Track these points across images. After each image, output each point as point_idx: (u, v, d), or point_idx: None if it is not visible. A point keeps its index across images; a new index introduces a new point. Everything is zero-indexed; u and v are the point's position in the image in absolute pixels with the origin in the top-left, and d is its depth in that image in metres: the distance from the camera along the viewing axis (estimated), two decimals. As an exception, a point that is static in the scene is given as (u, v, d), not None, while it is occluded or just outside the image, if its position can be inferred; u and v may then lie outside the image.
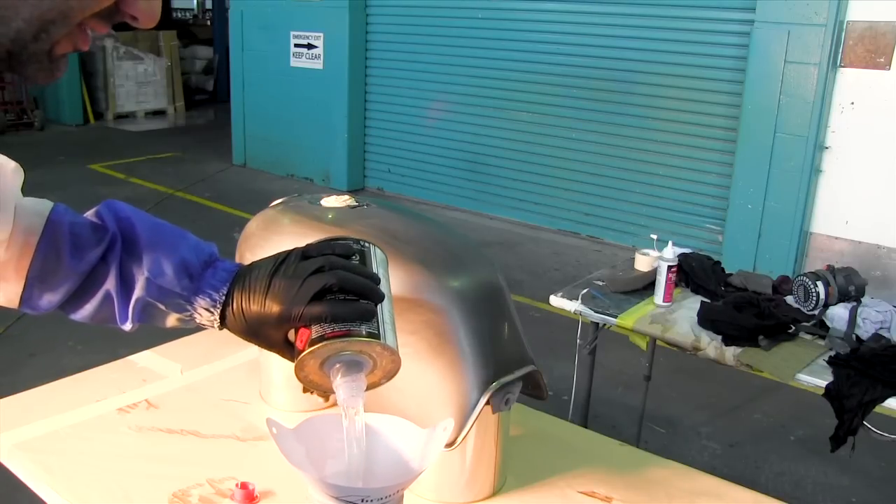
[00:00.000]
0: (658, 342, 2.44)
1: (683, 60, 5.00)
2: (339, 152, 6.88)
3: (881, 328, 2.10)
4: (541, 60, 5.65)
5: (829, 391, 1.95)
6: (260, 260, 0.82)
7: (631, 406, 3.12)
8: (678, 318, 2.30)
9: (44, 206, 0.87)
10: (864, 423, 1.98)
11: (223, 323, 0.83)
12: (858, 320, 2.12)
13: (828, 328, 2.16)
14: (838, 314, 2.14)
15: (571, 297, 2.42)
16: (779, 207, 4.59)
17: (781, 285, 2.45)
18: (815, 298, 2.22)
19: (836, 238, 4.54)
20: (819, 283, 2.22)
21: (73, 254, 0.84)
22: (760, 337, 2.12)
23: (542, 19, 5.61)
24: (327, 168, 7.01)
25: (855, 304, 2.16)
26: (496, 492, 1.23)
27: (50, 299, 0.84)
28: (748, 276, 2.52)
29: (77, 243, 0.84)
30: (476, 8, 5.95)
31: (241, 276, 0.82)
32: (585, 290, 2.45)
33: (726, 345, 2.13)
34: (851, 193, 4.46)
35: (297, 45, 6.94)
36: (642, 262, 2.68)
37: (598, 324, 2.45)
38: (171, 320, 0.85)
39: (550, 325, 3.87)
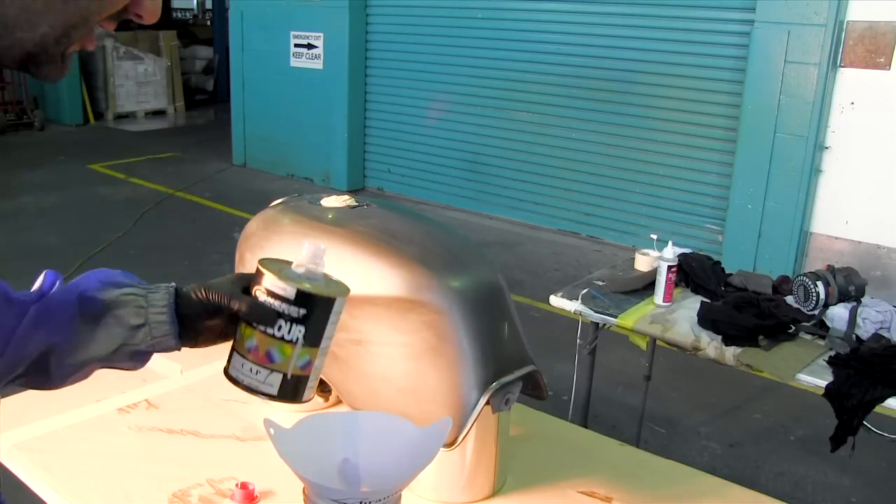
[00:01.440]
0: (658, 342, 2.44)
1: (683, 60, 5.00)
2: (339, 152, 6.88)
3: (881, 328, 2.10)
4: (541, 60, 5.65)
5: (829, 391, 1.95)
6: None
7: (631, 406, 3.12)
8: (678, 318, 2.30)
9: None
10: (864, 423, 1.98)
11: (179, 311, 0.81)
12: (858, 320, 2.12)
13: (828, 328, 2.16)
14: (838, 314, 2.14)
15: (571, 297, 2.42)
16: (779, 207, 4.59)
17: (781, 285, 2.44)
18: (815, 298, 2.22)
19: (836, 238, 4.54)
20: (819, 283, 2.22)
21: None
22: (760, 337, 2.12)
23: (542, 19, 5.61)
24: (327, 168, 7.01)
25: (855, 304, 2.15)
26: (496, 492, 1.23)
27: None
28: (748, 276, 2.52)
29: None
30: (476, 8, 5.95)
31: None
32: (585, 290, 2.45)
33: (726, 345, 2.13)
34: (851, 193, 4.46)
35: (297, 45, 6.94)
36: (642, 262, 2.68)
37: (598, 324, 2.45)
38: (127, 322, 0.81)
39: (550, 325, 3.87)
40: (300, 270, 0.86)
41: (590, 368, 2.59)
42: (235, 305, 0.83)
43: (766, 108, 4.54)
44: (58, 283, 0.81)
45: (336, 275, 0.93)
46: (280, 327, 0.83)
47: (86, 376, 0.84)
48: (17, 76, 9.02)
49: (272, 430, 0.88)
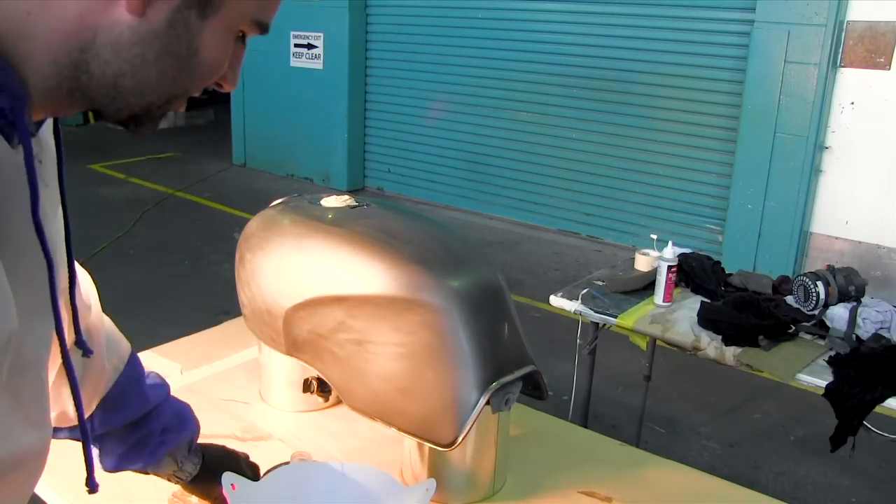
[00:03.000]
0: (658, 342, 2.44)
1: (683, 60, 5.00)
2: (339, 152, 6.88)
3: (881, 328, 2.10)
4: (541, 60, 5.65)
5: (829, 391, 1.95)
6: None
7: (631, 406, 3.12)
8: (678, 318, 2.30)
9: (124, 340, 1.02)
10: (864, 423, 1.98)
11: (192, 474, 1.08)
12: (858, 320, 2.12)
13: (828, 328, 2.16)
14: (838, 314, 2.14)
15: (571, 297, 2.42)
16: (779, 207, 4.59)
17: (781, 285, 2.44)
18: (815, 298, 2.22)
19: (836, 238, 4.54)
20: (819, 283, 2.22)
21: (149, 387, 1.02)
22: (760, 337, 2.12)
23: (542, 19, 5.61)
24: (327, 168, 7.01)
25: (855, 304, 2.15)
26: (496, 492, 1.23)
27: (104, 426, 0.97)
28: (748, 276, 2.52)
29: (146, 382, 1.02)
30: (476, 8, 5.95)
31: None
32: (585, 290, 2.45)
33: (726, 345, 2.13)
34: (851, 193, 4.46)
35: (297, 45, 6.94)
36: (642, 262, 2.68)
37: (598, 324, 2.45)
38: (167, 470, 1.06)
39: (550, 325, 3.87)
40: None
41: (590, 368, 2.59)
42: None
43: (766, 108, 4.54)
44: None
45: (336, 275, 0.93)
46: None
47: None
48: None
49: (234, 485, 0.85)
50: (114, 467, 1.02)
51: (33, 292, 0.59)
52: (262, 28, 0.65)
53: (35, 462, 0.63)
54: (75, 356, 0.76)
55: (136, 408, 0.98)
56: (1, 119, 0.53)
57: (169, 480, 1.07)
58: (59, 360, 0.79)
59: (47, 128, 0.68)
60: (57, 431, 0.93)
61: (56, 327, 0.62)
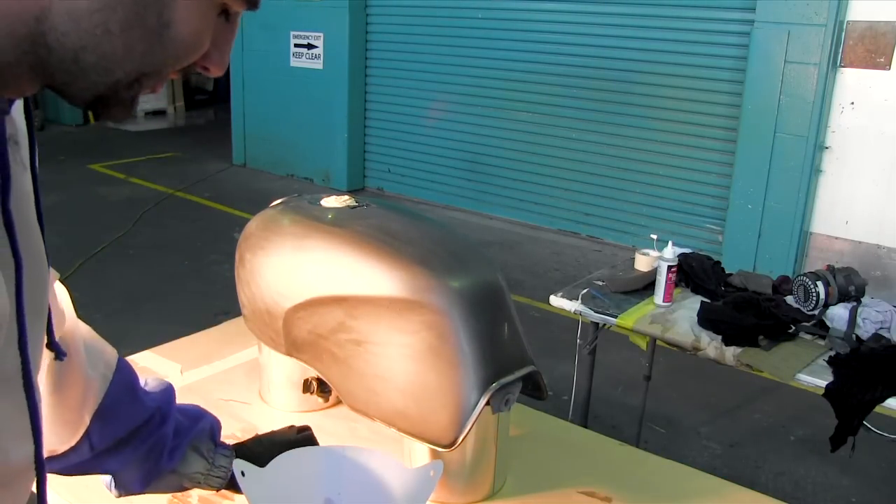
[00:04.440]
0: (658, 342, 2.44)
1: (683, 60, 5.00)
2: (339, 152, 6.88)
3: (881, 328, 2.10)
4: (541, 60, 5.65)
5: (829, 391, 1.95)
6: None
7: (631, 406, 3.12)
8: (678, 318, 2.30)
9: (110, 347, 0.96)
10: (864, 423, 1.98)
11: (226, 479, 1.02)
12: (858, 320, 2.12)
13: (828, 328, 2.16)
14: (838, 314, 2.14)
15: (571, 297, 2.42)
16: (779, 207, 4.59)
17: (781, 285, 2.44)
18: (815, 298, 2.22)
19: (836, 238, 4.54)
20: (819, 283, 2.22)
21: (144, 393, 0.96)
22: (760, 337, 2.12)
23: (542, 19, 5.61)
24: (327, 168, 7.01)
25: (855, 304, 2.15)
26: (496, 492, 1.23)
27: (103, 439, 0.91)
28: (748, 276, 2.52)
29: (141, 387, 0.97)
30: (476, 8, 5.95)
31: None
32: (585, 290, 2.45)
33: (726, 345, 2.13)
34: (851, 193, 4.46)
35: (297, 45, 6.94)
36: (642, 262, 2.68)
37: (598, 324, 2.45)
38: (199, 468, 1.00)
39: (550, 325, 3.87)
40: None
41: (590, 368, 2.59)
42: None
43: (766, 108, 4.54)
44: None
45: (336, 275, 0.93)
46: None
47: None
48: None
49: (242, 472, 0.85)
50: (141, 484, 0.97)
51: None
52: (250, 2, 0.58)
53: (22, 480, 0.60)
54: (49, 362, 0.73)
55: (135, 414, 0.94)
56: None
57: (209, 486, 1.01)
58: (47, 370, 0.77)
59: (18, 108, 0.61)
60: (55, 460, 0.90)
61: (18, 323, 0.56)
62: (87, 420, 0.88)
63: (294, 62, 6.99)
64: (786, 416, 3.29)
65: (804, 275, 2.29)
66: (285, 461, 0.89)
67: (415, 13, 6.33)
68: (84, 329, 0.91)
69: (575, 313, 2.41)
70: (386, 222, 1.23)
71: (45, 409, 0.79)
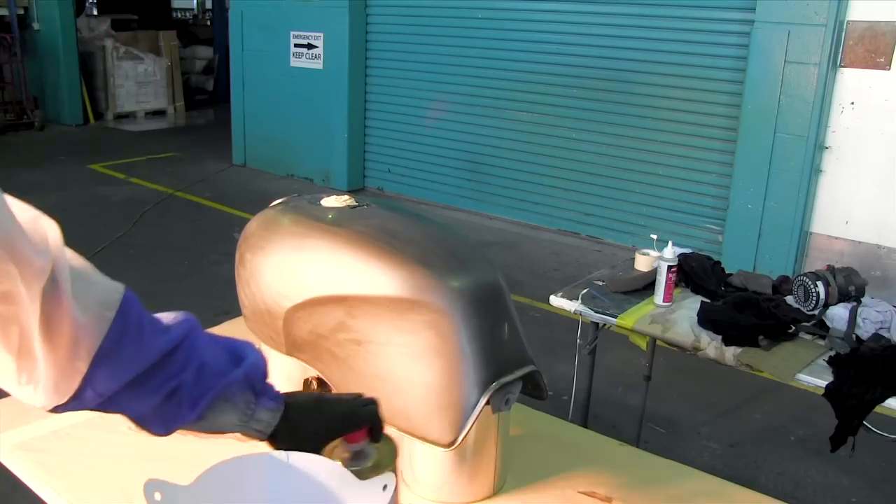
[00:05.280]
0: (658, 342, 2.44)
1: (683, 60, 5.00)
2: (339, 152, 6.88)
3: (881, 328, 2.10)
4: (541, 60, 5.65)
5: (829, 391, 1.95)
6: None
7: (631, 406, 3.12)
8: (678, 318, 2.29)
9: (114, 285, 0.85)
10: (864, 423, 1.98)
11: (273, 431, 0.92)
12: (858, 320, 2.11)
13: (828, 328, 2.15)
14: (838, 314, 2.14)
15: (571, 297, 2.42)
16: (779, 207, 4.59)
17: (781, 285, 2.44)
18: (815, 298, 2.22)
19: (836, 238, 4.54)
20: (819, 283, 2.22)
21: (152, 332, 0.84)
22: (760, 337, 2.12)
23: (542, 19, 5.61)
24: (327, 168, 7.01)
25: (855, 304, 2.15)
26: (496, 492, 1.23)
27: (109, 384, 0.80)
28: (748, 276, 2.52)
29: (154, 325, 0.85)
30: (476, 8, 5.95)
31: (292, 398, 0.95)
32: (585, 290, 2.45)
33: (726, 345, 2.13)
34: (851, 193, 4.46)
35: (297, 45, 6.94)
36: (642, 262, 2.68)
37: (598, 324, 2.45)
38: (231, 419, 0.90)
39: (550, 325, 3.87)
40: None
41: (590, 368, 2.59)
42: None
43: (766, 108, 4.54)
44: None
45: (336, 275, 0.93)
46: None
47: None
48: (17, 76, 9.03)
49: (158, 496, 0.77)
50: (162, 428, 0.87)
51: None
52: None
53: None
54: (37, 308, 0.65)
55: (142, 355, 0.82)
56: None
57: (249, 438, 0.91)
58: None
59: None
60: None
61: None
62: (82, 368, 0.78)
63: (294, 62, 6.99)
64: (786, 416, 3.29)
65: (804, 275, 2.29)
66: (217, 474, 0.82)
67: (415, 13, 6.33)
68: (76, 265, 0.81)
69: (575, 313, 2.41)
70: (386, 222, 1.23)
71: (40, 361, 0.75)
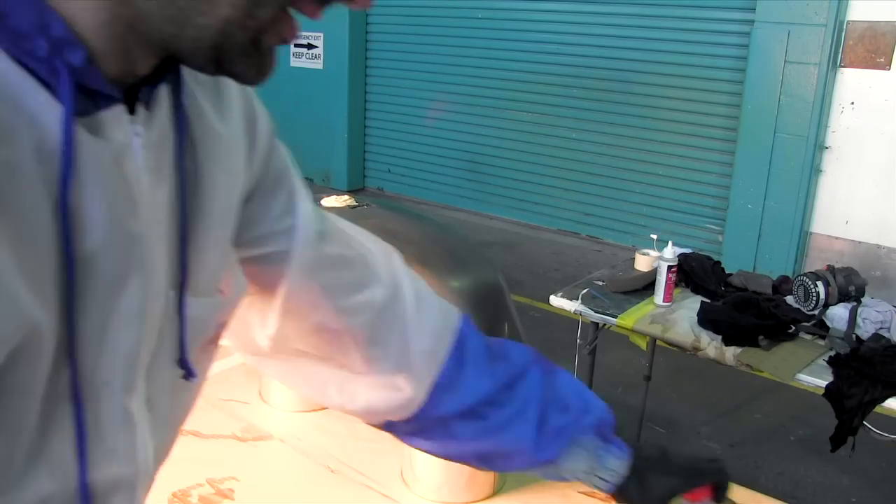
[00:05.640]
0: (658, 342, 2.44)
1: (683, 60, 5.01)
2: (339, 152, 6.88)
3: (881, 328, 2.10)
4: (541, 60, 5.65)
5: (829, 391, 1.95)
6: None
7: (631, 406, 3.12)
8: (678, 318, 2.30)
9: (445, 306, 0.82)
10: (864, 423, 1.98)
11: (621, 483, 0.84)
12: (858, 320, 2.12)
13: (828, 328, 2.16)
14: (838, 314, 2.14)
15: (571, 297, 2.42)
16: (779, 207, 4.59)
17: (781, 285, 2.44)
18: (815, 298, 2.22)
19: (836, 238, 4.54)
20: (819, 283, 2.22)
21: (493, 357, 0.80)
22: (760, 337, 2.12)
23: (542, 19, 5.61)
24: (327, 168, 7.01)
25: (855, 304, 2.15)
26: (496, 492, 1.23)
27: (451, 408, 0.76)
28: (748, 276, 2.52)
29: (495, 350, 0.81)
30: (476, 8, 5.96)
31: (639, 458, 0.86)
32: (585, 290, 2.45)
33: (726, 345, 2.13)
34: (851, 193, 4.46)
35: (297, 45, 6.94)
36: (642, 262, 2.68)
37: (598, 324, 2.45)
38: (580, 465, 0.83)
39: (550, 325, 3.87)
40: None
41: (590, 368, 2.59)
42: None
43: (766, 108, 4.54)
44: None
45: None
46: None
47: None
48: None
49: None
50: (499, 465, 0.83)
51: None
52: None
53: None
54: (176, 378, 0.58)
55: (484, 384, 0.77)
56: (49, 69, 0.39)
57: (591, 486, 0.85)
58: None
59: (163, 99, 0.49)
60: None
61: (69, 324, 0.42)
62: (420, 397, 0.75)
63: (294, 62, 6.99)
64: (786, 416, 3.29)
65: (804, 275, 2.29)
66: None
67: (415, 13, 6.33)
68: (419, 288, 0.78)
69: (575, 313, 2.41)
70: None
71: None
